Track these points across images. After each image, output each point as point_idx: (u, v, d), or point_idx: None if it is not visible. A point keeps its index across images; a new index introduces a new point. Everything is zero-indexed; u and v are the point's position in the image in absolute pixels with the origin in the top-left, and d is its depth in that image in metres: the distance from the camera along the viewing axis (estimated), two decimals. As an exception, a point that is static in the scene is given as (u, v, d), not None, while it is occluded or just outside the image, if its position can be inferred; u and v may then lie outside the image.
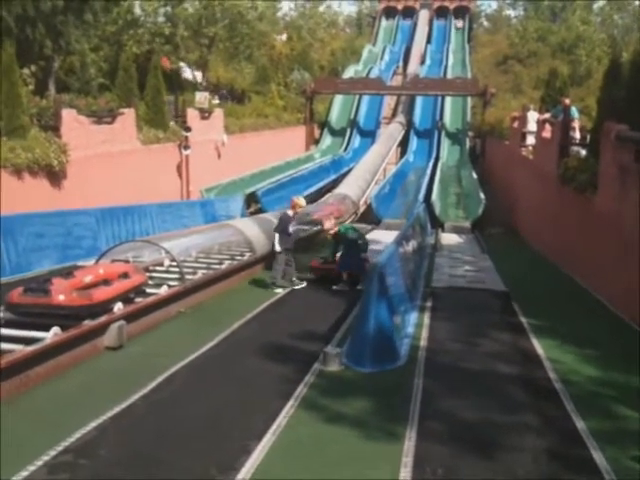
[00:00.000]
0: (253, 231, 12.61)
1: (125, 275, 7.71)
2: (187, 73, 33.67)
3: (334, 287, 10.64)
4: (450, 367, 6.89)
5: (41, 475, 4.27)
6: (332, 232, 11.27)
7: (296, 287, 10.67)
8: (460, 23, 46.70)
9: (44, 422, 5.17)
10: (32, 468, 4.34)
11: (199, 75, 31.97)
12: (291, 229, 10.60)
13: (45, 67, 24.45)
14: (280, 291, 10.39)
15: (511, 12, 66.97)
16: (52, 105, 17.63)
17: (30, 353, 5.68)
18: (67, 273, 7.22)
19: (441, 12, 51.20)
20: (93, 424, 5.04)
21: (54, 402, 5.59)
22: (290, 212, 10.86)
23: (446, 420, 5.50)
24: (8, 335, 6.31)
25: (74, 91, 24.56)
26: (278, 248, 10.52)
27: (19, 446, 4.69)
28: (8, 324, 6.66)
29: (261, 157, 26.62)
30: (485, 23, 70.38)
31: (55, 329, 6.12)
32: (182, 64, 32.24)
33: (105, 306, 6.98)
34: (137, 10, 31.53)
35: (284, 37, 39.92)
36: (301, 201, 11.01)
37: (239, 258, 11.71)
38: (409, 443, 5.04)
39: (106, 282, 7.24)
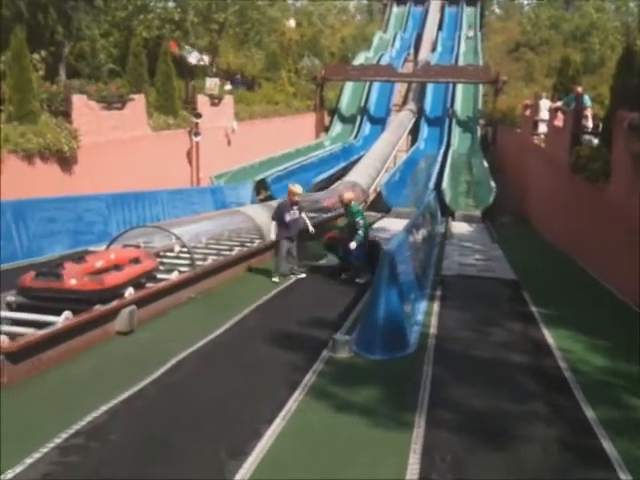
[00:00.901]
0: (263, 218, 12.58)
1: (136, 260, 7.74)
2: (193, 57, 33.51)
3: (343, 276, 10.48)
4: (460, 355, 6.89)
5: (53, 457, 4.31)
6: (346, 201, 10.60)
7: (298, 276, 10.42)
8: (471, 32, 44.38)
9: (56, 405, 5.21)
10: (44, 450, 4.38)
11: (206, 59, 31.83)
12: (288, 218, 10.23)
13: (55, 52, 24.45)
14: (277, 280, 10.11)
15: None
16: (62, 90, 17.64)
17: (42, 337, 5.72)
18: (78, 258, 7.25)
19: (453, -1, 50.68)
20: (104, 408, 5.08)
21: (65, 386, 5.63)
22: (287, 200, 10.55)
23: (455, 408, 5.50)
24: (20, 319, 6.36)
25: (84, 77, 24.55)
26: (273, 236, 10.38)
27: (31, 428, 4.74)
28: (20, 308, 6.71)
29: (271, 144, 26.56)
30: (497, 10, 69.64)
31: (66, 313, 6.15)
32: (187, 47, 32.08)
33: (116, 291, 7.02)
34: (147, -5, 31.41)
35: (292, 23, 39.65)
36: (296, 188, 10.55)
37: (249, 245, 11.72)
38: (418, 430, 5.04)
39: (117, 267, 7.27)
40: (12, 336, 5.56)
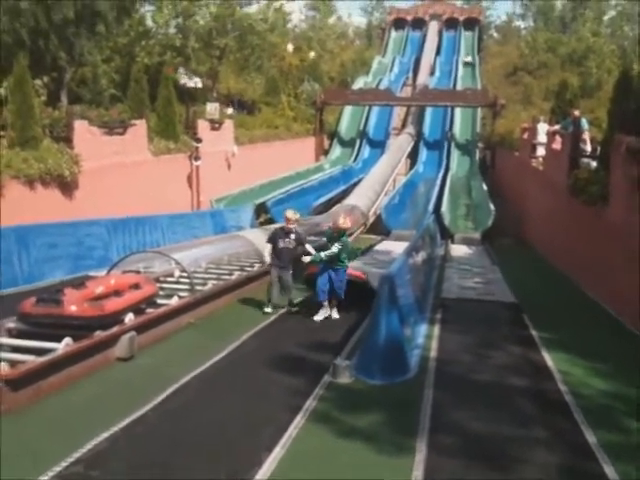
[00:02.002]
0: (263, 242, 12.61)
1: (136, 286, 7.76)
2: (193, 82, 33.79)
3: (316, 318, 9.35)
4: (460, 379, 6.88)
5: (53, 486, 4.30)
6: (343, 228, 9.46)
7: (292, 309, 9.76)
8: (469, 58, 43.77)
9: (56, 432, 5.20)
10: (44, 478, 4.36)
11: (199, 82, 32.09)
12: (281, 244, 9.63)
13: (57, 78, 24.71)
14: (269, 310, 9.57)
15: (521, 23, 67.06)
16: (64, 116, 17.82)
17: (42, 364, 5.72)
18: (79, 284, 7.27)
19: (451, 23, 51.32)
20: (105, 434, 5.07)
21: (66, 412, 5.62)
22: (284, 226, 9.91)
23: (456, 432, 5.49)
24: (20, 345, 6.36)
25: (86, 102, 24.79)
26: (267, 259, 10.16)
27: (32, 456, 4.73)
28: (20, 334, 6.71)
29: (271, 168, 26.72)
30: (495, 34, 70.49)
31: (67, 340, 6.16)
32: (181, 70, 32.35)
33: (116, 317, 7.03)
34: (149, 22, 31.84)
35: (290, 47, 40.13)
36: (292, 214, 9.83)
37: (249, 269, 11.74)
38: (420, 455, 5.03)
39: (117, 293, 7.29)
40: (12, 363, 5.56)
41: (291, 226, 9.77)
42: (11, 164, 14.18)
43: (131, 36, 30.09)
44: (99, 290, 7.15)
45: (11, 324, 6.83)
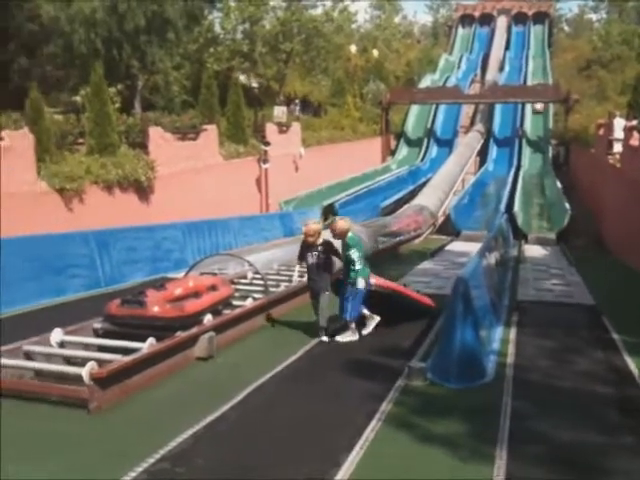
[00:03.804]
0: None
1: (213, 288, 7.95)
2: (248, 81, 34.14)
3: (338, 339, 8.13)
4: (539, 384, 6.72)
5: (141, 482, 4.46)
6: (339, 232, 8.05)
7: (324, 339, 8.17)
8: (539, 105, 34.76)
9: (142, 429, 5.40)
10: (133, 474, 4.53)
11: (253, 80, 32.55)
12: (310, 259, 8.18)
13: (130, 86, 25.60)
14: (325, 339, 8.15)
15: (593, 16, 64.83)
16: (139, 123, 18.48)
17: (128, 363, 5.94)
18: (159, 285, 7.51)
19: (520, 18, 50.18)
20: (189, 432, 5.22)
21: (150, 410, 5.83)
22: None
23: (538, 440, 5.36)
24: (107, 345, 6.64)
25: (158, 109, 25.59)
26: (295, 278, 9.48)
27: (121, 453, 4.92)
28: (106, 334, 7.01)
29: (338, 169, 26.83)
30: (566, 28, 68.42)
31: (151, 340, 6.38)
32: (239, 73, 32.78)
33: (196, 318, 7.23)
34: (217, 28, 32.57)
35: (353, 48, 40.20)
36: (309, 228, 8.16)
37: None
38: (500, 462, 4.95)
39: (196, 294, 7.49)
40: (100, 362, 5.80)
41: (311, 240, 8.12)
42: (91, 170, 14.83)
43: (200, 43, 30.86)
44: (178, 291, 7.36)
45: (97, 324, 7.13)
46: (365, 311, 8.27)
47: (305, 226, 8.26)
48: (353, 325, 8.15)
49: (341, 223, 8.10)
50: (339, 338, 8.09)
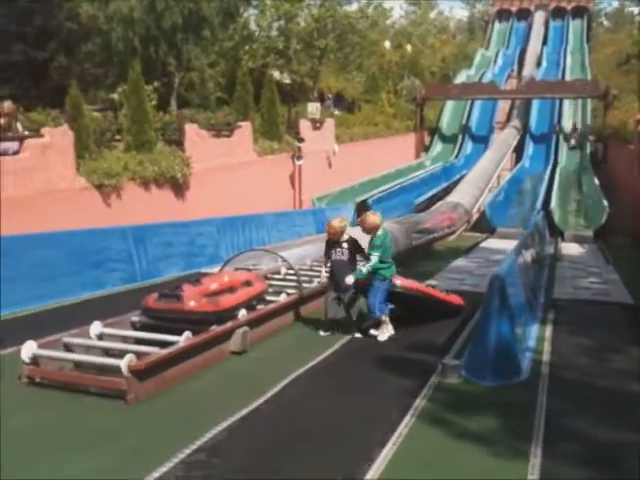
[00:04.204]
0: (364, 240, 12.69)
1: (248, 283, 8.02)
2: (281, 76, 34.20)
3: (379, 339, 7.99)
4: (576, 383, 6.63)
5: (178, 472, 4.53)
6: (371, 226, 7.87)
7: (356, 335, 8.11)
8: (573, 141, 32.47)
9: (178, 421, 5.48)
10: (170, 465, 4.61)
11: (285, 76, 32.60)
12: (334, 255, 8.12)
13: (167, 83, 25.91)
14: (323, 334, 8.16)
15: (634, 9, 63.31)
16: (175, 120, 18.69)
17: (165, 356, 6.05)
18: (195, 280, 7.61)
19: (558, 13, 49.35)
20: (224, 424, 5.29)
21: (186, 403, 5.92)
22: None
23: (574, 438, 5.30)
24: (143, 338, 6.76)
25: (194, 106, 25.84)
26: (324, 275, 9.16)
27: (158, 443, 5.01)
28: (144, 327, 7.16)
29: (371, 165, 26.79)
30: (605, 22, 67.02)
31: (187, 333, 6.47)
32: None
33: (231, 312, 7.31)
34: (252, 25, 32.74)
35: (387, 44, 39.96)
36: (330, 225, 8.12)
37: (353, 267, 11.78)
38: (534, 460, 4.91)
39: (231, 289, 7.57)
40: (137, 355, 5.91)
41: (333, 237, 8.10)
42: (128, 167, 15.06)
43: (235, 40, 31.05)
44: (214, 286, 7.44)
45: (135, 317, 7.27)
46: (384, 317, 7.99)
47: (332, 223, 8.13)
48: (385, 318, 7.99)
49: (372, 218, 7.90)
50: (377, 336, 7.98)
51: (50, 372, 6.12)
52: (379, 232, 7.82)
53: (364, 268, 7.76)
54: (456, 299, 8.98)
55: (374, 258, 7.68)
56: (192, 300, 6.93)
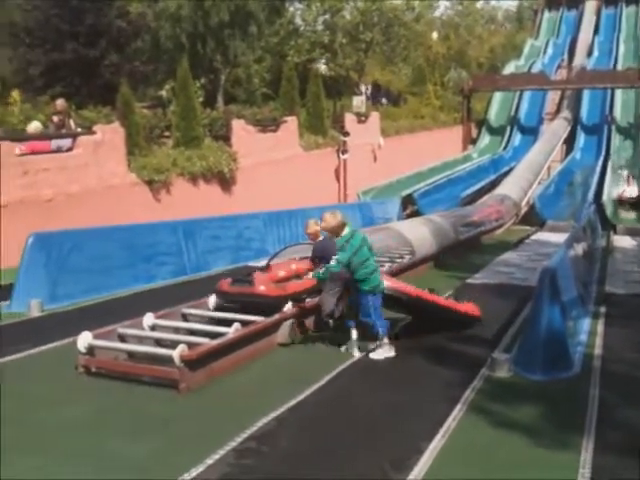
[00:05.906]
0: (412, 233, 12.66)
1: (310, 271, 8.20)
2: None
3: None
4: (629, 378, 6.49)
5: (230, 459, 4.63)
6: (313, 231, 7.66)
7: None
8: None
9: (229, 410, 5.60)
10: (222, 452, 4.71)
11: (324, 67, 32.54)
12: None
13: (213, 80, 26.20)
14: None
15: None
16: (222, 116, 18.93)
17: (215, 346, 6.18)
18: (264, 267, 7.94)
19: (610, 0, 47.84)
20: (273, 414, 5.37)
21: (236, 393, 6.03)
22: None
23: (627, 433, 5.20)
24: (195, 329, 6.97)
25: (240, 102, 26.08)
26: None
27: (209, 432, 5.12)
28: (217, 308, 7.64)
29: (417, 158, 26.57)
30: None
31: (236, 325, 6.60)
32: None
33: (296, 297, 7.67)
34: (298, 20, 32.83)
35: (435, 35, 39.50)
36: (307, 227, 7.86)
37: (399, 260, 11.78)
38: (586, 454, 4.84)
39: (297, 276, 7.93)
40: (189, 345, 6.04)
41: (312, 238, 7.87)
42: (177, 162, 15.35)
43: (281, 35, 31.18)
44: (281, 273, 7.86)
45: (211, 300, 7.73)
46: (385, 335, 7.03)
47: (308, 224, 7.85)
48: (385, 339, 7.03)
49: (327, 218, 6.97)
50: (373, 354, 7.04)
51: (105, 362, 6.31)
52: (344, 232, 6.94)
53: (321, 270, 6.99)
54: (470, 308, 8.10)
55: (332, 261, 6.80)
56: (262, 285, 7.40)
